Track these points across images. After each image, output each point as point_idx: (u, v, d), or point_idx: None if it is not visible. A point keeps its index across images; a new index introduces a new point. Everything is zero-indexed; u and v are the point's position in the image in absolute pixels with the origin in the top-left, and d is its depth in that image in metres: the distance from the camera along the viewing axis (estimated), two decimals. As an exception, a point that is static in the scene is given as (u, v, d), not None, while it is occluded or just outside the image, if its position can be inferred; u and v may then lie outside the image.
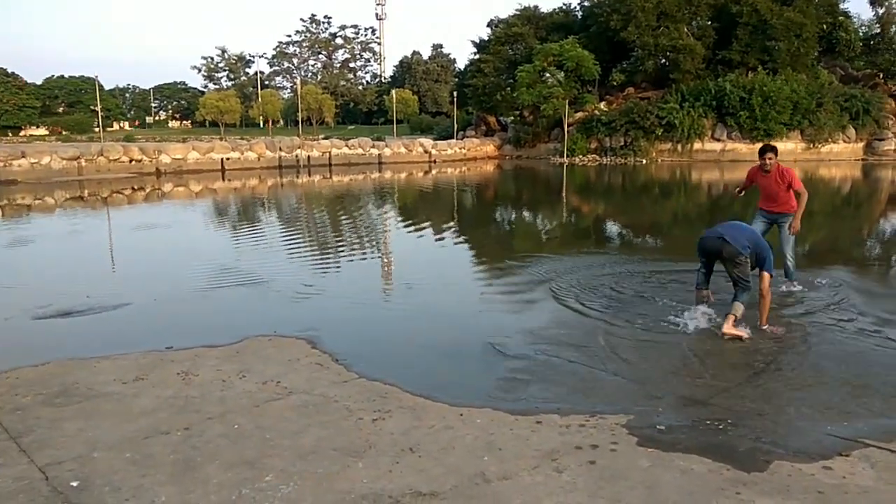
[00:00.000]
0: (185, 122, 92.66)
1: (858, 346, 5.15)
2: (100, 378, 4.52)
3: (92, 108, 62.61)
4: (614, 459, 3.35)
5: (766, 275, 5.51)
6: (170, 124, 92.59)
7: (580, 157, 33.06)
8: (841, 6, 35.96)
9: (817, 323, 5.78)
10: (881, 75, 38.06)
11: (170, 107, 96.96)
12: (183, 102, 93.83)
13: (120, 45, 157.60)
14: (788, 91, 31.46)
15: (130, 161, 26.01)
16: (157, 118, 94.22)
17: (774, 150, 6.87)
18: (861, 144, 33.63)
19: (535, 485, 3.11)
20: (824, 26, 34.92)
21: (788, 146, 32.50)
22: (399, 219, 14.76)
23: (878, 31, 37.73)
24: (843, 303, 6.42)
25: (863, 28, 37.86)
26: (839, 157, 32.84)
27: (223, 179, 25.06)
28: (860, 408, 4.00)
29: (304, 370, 4.66)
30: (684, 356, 4.99)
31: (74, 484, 3.14)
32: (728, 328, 5.34)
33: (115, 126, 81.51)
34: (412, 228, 12.61)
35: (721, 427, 3.74)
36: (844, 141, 33.38)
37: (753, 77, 32.34)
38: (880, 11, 36.94)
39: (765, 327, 5.49)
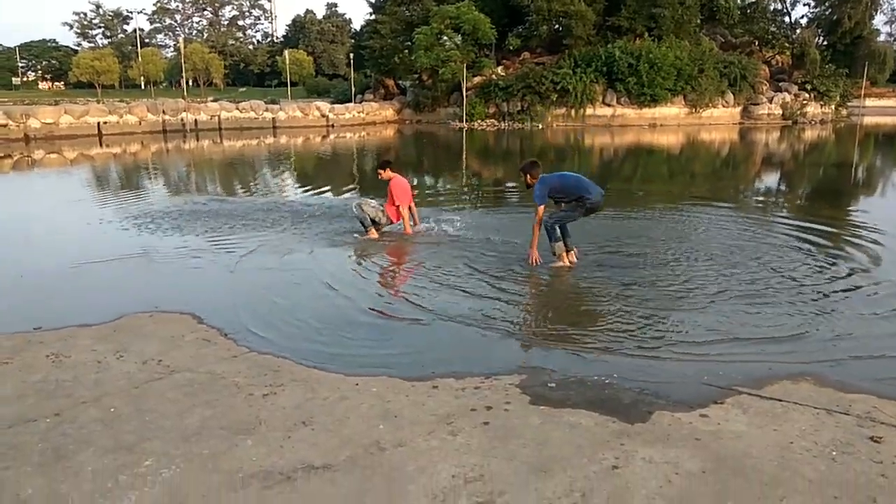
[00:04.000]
0: (57, 83, 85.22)
1: (724, 298, 5.48)
2: (-45, 365, 4.11)
3: (-54, 67, 56.47)
4: (507, 419, 3.40)
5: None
6: (40, 86, 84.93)
7: (479, 121, 33.27)
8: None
9: (690, 280, 6.11)
10: (757, 43, 40.53)
11: (39, 67, 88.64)
12: (54, 62, 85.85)
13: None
14: (672, 58, 32.87)
15: (-6, 126, 23.78)
16: (25, 79, 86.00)
17: (384, 166, 7.99)
18: (738, 109, 35.85)
19: (430, 450, 3.10)
20: (705, -6, 36.60)
21: (673, 111, 34.15)
22: (295, 186, 14.31)
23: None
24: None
25: (740, -3, 39.94)
26: (718, 121, 34.86)
27: (101, 145, 23.37)
28: (731, 357, 4.26)
29: (188, 347, 4.42)
30: (571, 313, 5.14)
31: (-77, 484, 2.84)
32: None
33: (-24, 88, 74.01)
34: (308, 195, 12.25)
35: (607, 381, 3.89)
36: (723, 105, 35.43)
37: (640, 43, 33.53)
38: (756, -19, 39.14)
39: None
